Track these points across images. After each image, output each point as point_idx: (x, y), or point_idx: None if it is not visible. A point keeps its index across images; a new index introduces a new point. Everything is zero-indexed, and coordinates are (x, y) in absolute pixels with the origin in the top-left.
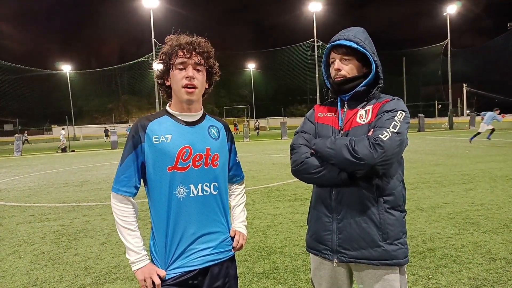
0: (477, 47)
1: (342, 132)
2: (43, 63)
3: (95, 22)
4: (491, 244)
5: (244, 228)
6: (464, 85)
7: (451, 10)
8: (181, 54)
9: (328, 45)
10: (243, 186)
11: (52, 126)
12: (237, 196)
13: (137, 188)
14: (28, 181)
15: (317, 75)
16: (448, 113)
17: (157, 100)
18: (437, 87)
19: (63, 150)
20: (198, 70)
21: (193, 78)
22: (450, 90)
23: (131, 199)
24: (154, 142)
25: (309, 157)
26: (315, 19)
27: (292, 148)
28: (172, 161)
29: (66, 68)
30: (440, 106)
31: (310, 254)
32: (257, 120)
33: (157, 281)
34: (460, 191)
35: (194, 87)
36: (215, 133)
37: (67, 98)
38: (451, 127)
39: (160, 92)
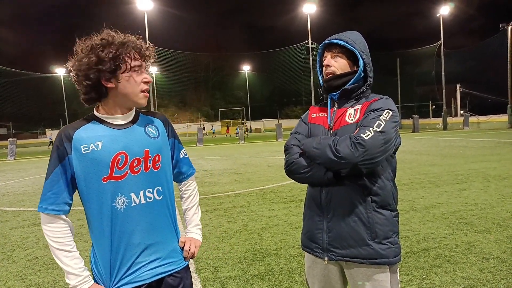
0: (470, 47)
1: (331, 132)
2: (37, 66)
3: (89, 25)
4: (485, 244)
5: (198, 233)
6: (458, 85)
7: (444, 11)
8: (138, 56)
9: (320, 45)
10: (194, 185)
11: (46, 129)
12: (188, 199)
13: (69, 205)
14: (22, 186)
15: (311, 77)
16: (442, 113)
17: (152, 103)
18: (431, 88)
19: None
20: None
21: (150, 82)
22: (444, 91)
23: (63, 217)
24: (83, 152)
25: (298, 157)
26: (309, 21)
27: (285, 149)
28: (107, 170)
29: (60, 71)
30: (434, 106)
31: (305, 252)
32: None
33: None
34: (454, 191)
35: (149, 91)
36: (154, 132)
37: (61, 102)
38: (445, 127)
39: (86, 95)
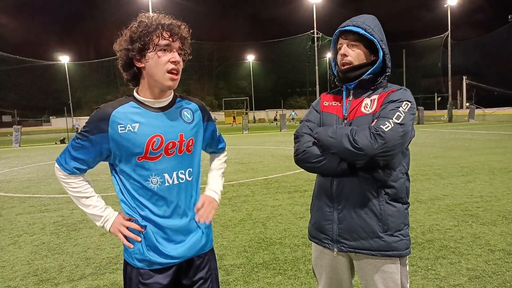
0: (478, 39)
1: (345, 122)
2: (41, 54)
3: (94, 13)
4: (490, 236)
5: (216, 195)
6: (464, 77)
7: (452, 1)
8: (166, 35)
9: (336, 31)
10: (225, 153)
11: (50, 117)
12: (217, 161)
13: (85, 170)
14: (27, 172)
15: (316, 67)
16: (448, 105)
17: None
18: (437, 80)
19: (62, 141)
20: (179, 55)
21: (179, 63)
22: (449, 83)
23: (78, 175)
24: (119, 132)
25: (310, 146)
26: (315, 10)
27: (296, 137)
28: (142, 151)
29: (64, 59)
30: (439, 98)
31: (312, 243)
32: (276, 112)
33: (134, 226)
34: (459, 183)
35: (178, 72)
36: (189, 116)
37: (66, 89)
38: (450, 119)
39: (123, 74)
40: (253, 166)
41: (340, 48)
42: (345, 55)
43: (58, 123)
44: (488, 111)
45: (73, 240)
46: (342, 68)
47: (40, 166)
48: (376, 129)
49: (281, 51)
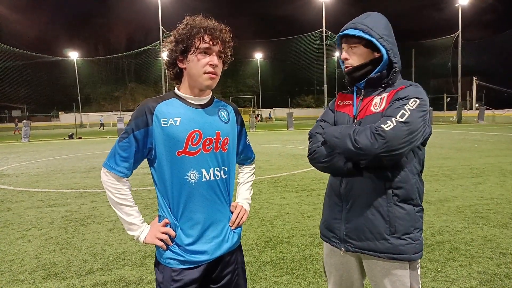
0: (488, 39)
1: (355, 121)
2: (51, 49)
3: (103, 10)
4: (501, 239)
5: (247, 205)
6: (474, 78)
7: (463, 1)
8: (207, 38)
9: (337, 36)
10: (253, 165)
11: (59, 113)
12: (246, 174)
13: (132, 171)
14: (36, 167)
15: (325, 66)
16: (457, 106)
17: (163, 89)
18: (446, 80)
19: (70, 137)
20: (219, 58)
21: (217, 66)
22: (459, 83)
23: (125, 179)
24: (162, 126)
25: (320, 146)
26: (324, 8)
27: (309, 137)
28: (182, 145)
29: (73, 55)
30: (448, 99)
31: (323, 241)
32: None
33: (172, 233)
34: (469, 185)
35: (216, 75)
36: (225, 116)
37: (75, 85)
38: (459, 120)
39: (168, 72)
40: (260, 164)
41: (342, 54)
42: (346, 59)
43: (66, 118)
44: (498, 112)
45: (81, 235)
46: (345, 70)
47: (49, 161)
48: (376, 128)
49: (289, 49)
